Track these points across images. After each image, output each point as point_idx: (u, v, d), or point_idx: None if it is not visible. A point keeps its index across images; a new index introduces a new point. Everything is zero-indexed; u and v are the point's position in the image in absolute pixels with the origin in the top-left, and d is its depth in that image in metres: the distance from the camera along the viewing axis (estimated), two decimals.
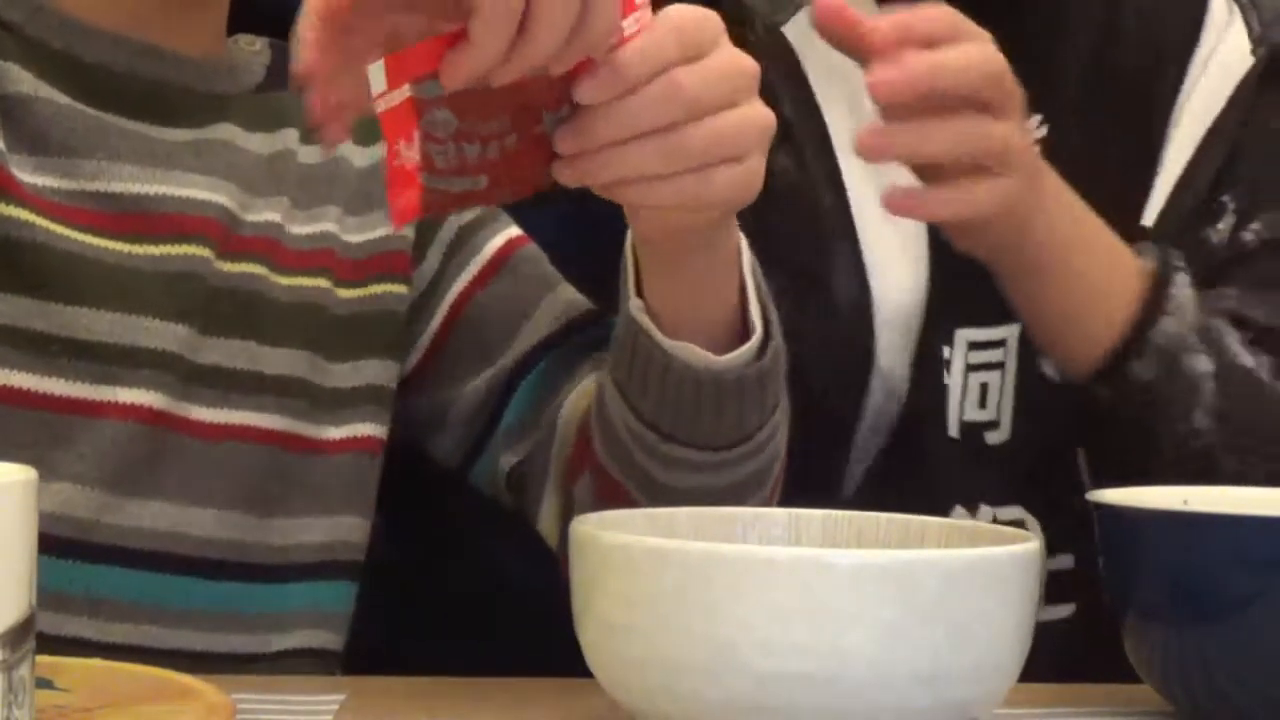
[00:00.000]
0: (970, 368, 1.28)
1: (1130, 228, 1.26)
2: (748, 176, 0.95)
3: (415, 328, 1.19)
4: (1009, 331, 1.28)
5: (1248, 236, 1.27)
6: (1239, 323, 1.24)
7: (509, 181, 0.96)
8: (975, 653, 0.82)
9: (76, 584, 1.06)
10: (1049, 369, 1.26)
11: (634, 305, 1.03)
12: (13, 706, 0.68)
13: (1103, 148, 1.27)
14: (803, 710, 0.80)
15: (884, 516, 0.96)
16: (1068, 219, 1.18)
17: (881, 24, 1.06)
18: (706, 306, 1.03)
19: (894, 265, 1.28)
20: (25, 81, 1.08)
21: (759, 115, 0.95)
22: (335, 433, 1.14)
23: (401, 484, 1.23)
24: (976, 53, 1.08)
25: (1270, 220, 1.28)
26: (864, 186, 1.27)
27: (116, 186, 1.09)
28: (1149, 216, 1.28)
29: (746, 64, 0.96)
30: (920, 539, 0.93)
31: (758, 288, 1.04)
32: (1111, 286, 1.20)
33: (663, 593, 0.82)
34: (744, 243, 1.04)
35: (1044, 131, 1.27)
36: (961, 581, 0.82)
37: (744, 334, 1.04)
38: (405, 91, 0.90)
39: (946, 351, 1.28)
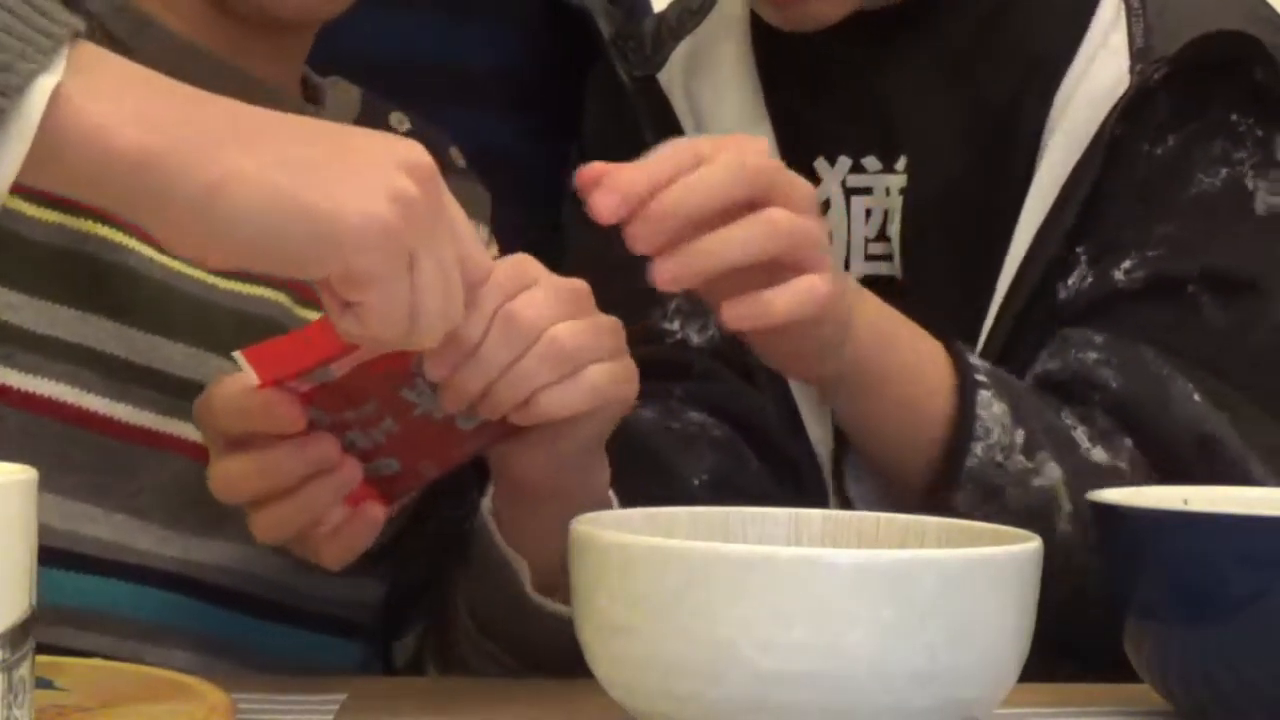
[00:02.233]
0: None
1: (984, 289, 1.21)
2: (626, 373, 0.99)
3: None
4: None
5: (1118, 276, 1.20)
6: (1091, 388, 1.17)
7: (421, 458, 0.99)
8: (975, 653, 0.82)
9: (123, 606, 1.06)
10: (859, 500, 1.20)
11: (484, 504, 1.06)
12: (13, 706, 0.68)
13: (961, 196, 1.22)
14: (803, 710, 0.80)
15: (884, 516, 0.95)
16: (885, 317, 1.12)
17: (622, 182, 0.97)
18: (538, 552, 1.04)
19: None
20: None
21: (599, 320, 0.97)
22: None
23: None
24: (724, 164, 0.98)
25: (1145, 259, 1.20)
26: None
27: None
28: (1007, 271, 1.21)
29: (576, 284, 0.98)
30: (920, 539, 0.93)
31: None
32: (928, 404, 1.13)
33: (663, 593, 0.82)
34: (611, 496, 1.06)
35: (903, 181, 1.24)
36: (961, 581, 0.82)
37: None
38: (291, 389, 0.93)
39: None
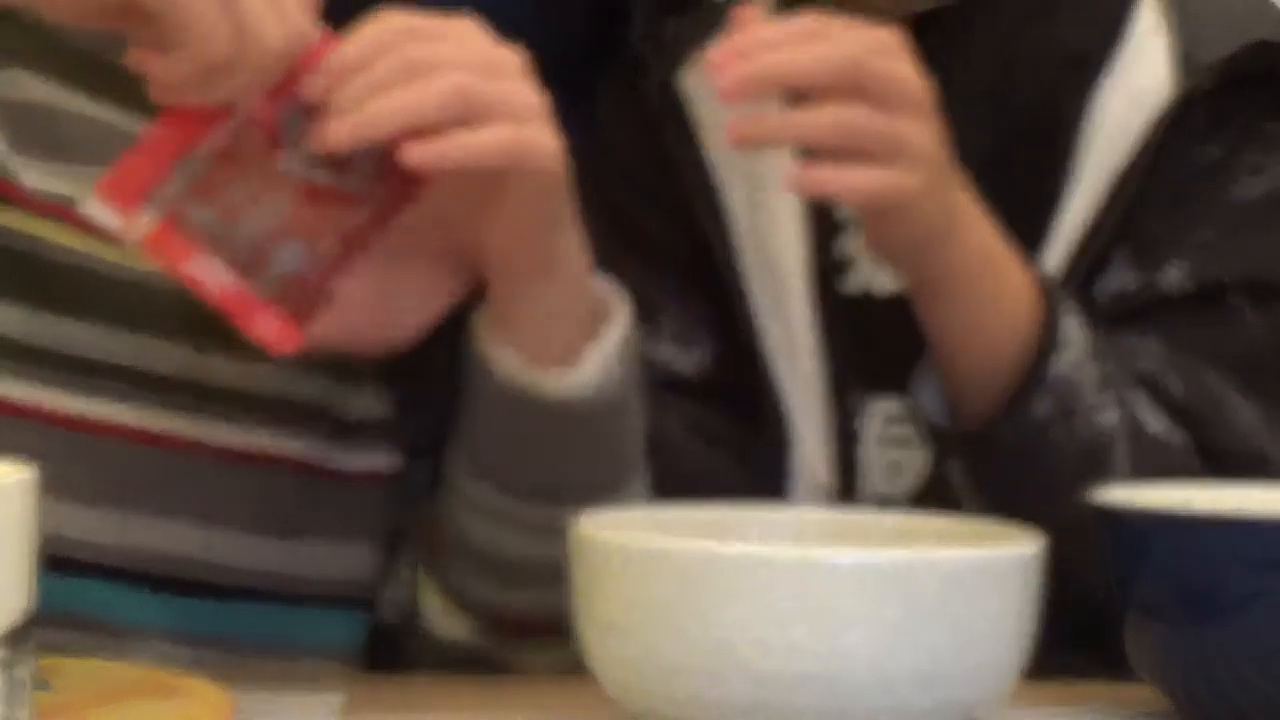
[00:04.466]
0: (884, 442, 1.24)
1: None
2: (552, 139, 0.93)
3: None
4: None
5: (1164, 283, 1.21)
6: (1154, 389, 1.18)
7: (323, 237, 0.93)
8: (976, 653, 0.82)
9: (75, 601, 1.05)
10: (933, 410, 1.18)
11: (473, 321, 1.02)
12: (13, 706, 0.68)
13: (997, 198, 1.19)
14: (802, 711, 0.80)
15: (884, 516, 0.95)
16: (982, 237, 1.14)
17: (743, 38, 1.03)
18: (531, 345, 1.00)
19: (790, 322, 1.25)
20: (37, 85, 1.05)
21: (526, 86, 0.92)
22: (353, 462, 1.12)
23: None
24: (846, 45, 1.04)
25: (1190, 266, 1.21)
26: (754, 254, 1.25)
27: None
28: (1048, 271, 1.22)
29: (508, 55, 0.93)
30: (921, 539, 0.93)
31: (624, 358, 1.02)
32: (1017, 316, 1.15)
33: (662, 593, 0.82)
34: (624, 318, 1.02)
35: None
36: (962, 582, 0.82)
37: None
38: (149, 214, 0.88)
39: (858, 424, 1.24)
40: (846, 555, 0.81)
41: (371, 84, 0.89)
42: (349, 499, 1.12)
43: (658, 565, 0.82)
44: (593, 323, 1.01)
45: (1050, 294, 1.15)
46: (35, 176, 1.05)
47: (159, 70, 0.86)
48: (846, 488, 1.23)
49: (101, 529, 1.05)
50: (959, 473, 1.17)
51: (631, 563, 0.83)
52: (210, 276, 0.90)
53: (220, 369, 1.08)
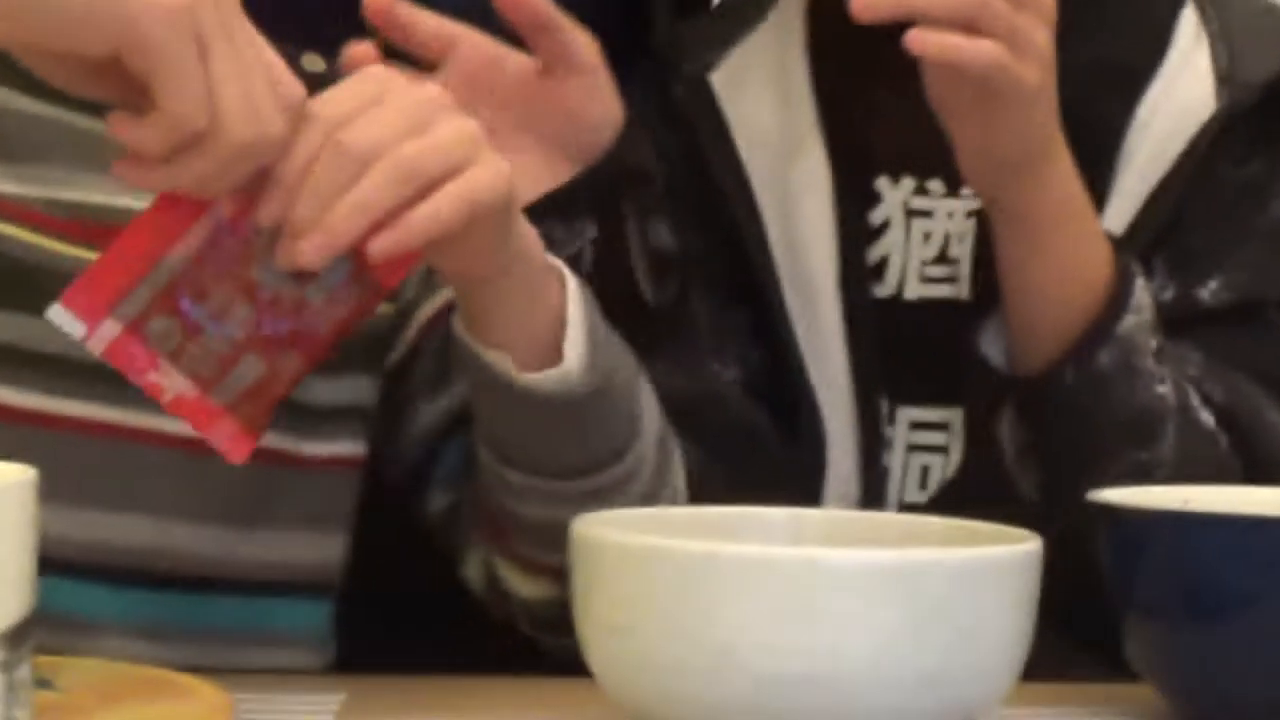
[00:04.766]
0: (912, 449, 1.25)
1: None
2: (498, 173, 0.94)
3: (391, 349, 1.18)
4: (953, 415, 1.24)
5: (1204, 295, 1.23)
6: (1198, 391, 1.20)
7: (285, 349, 0.94)
8: (976, 653, 0.82)
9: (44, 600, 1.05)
10: (996, 354, 1.20)
11: (455, 322, 1.03)
12: (13, 706, 0.68)
13: None
14: (803, 711, 0.80)
15: (884, 516, 0.96)
16: (1070, 178, 1.16)
17: None
18: (521, 338, 1.02)
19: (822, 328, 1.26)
20: None
21: (456, 126, 0.94)
22: (317, 449, 1.13)
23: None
24: None
25: (1230, 280, 1.23)
26: (785, 257, 1.25)
27: (87, 196, 1.07)
28: None
29: (429, 93, 0.94)
30: (920, 539, 0.93)
31: (588, 329, 1.02)
32: (1092, 268, 1.17)
33: (662, 593, 0.82)
34: (575, 290, 1.03)
35: (970, 205, 1.24)
36: (963, 581, 0.82)
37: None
38: (112, 326, 0.89)
39: (887, 431, 1.25)
40: (846, 555, 0.81)
41: (320, 195, 0.90)
42: (313, 486, 1.12)
43: (658, 565, 0.82)
44: (559, 296, 1.02)
45: (1122, 254, 1.17)
46: None
47: (133, 136, 0.87)
48: (874, 494, 1.24)
49: (59, 524, 1.05)
50: (1010, 425, 1.18)
51: (631, 563, 0.83)
52: (170, 385, 0.91)
53: None
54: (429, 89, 0.95)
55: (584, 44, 1.15)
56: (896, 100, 1.24)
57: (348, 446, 1.14)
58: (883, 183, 1.26)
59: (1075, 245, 1.16)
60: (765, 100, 1.29)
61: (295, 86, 0.89)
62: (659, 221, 1.24)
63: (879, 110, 1.27)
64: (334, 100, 0.92)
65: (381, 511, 1.21)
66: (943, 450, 1.24)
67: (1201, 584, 0.92)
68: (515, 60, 1.15)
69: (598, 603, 0.85)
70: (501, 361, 1.01)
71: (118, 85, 0.86)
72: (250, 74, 0.85)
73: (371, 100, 0.92)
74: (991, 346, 1.19)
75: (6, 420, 1.04)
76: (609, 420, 1.05)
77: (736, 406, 1.24)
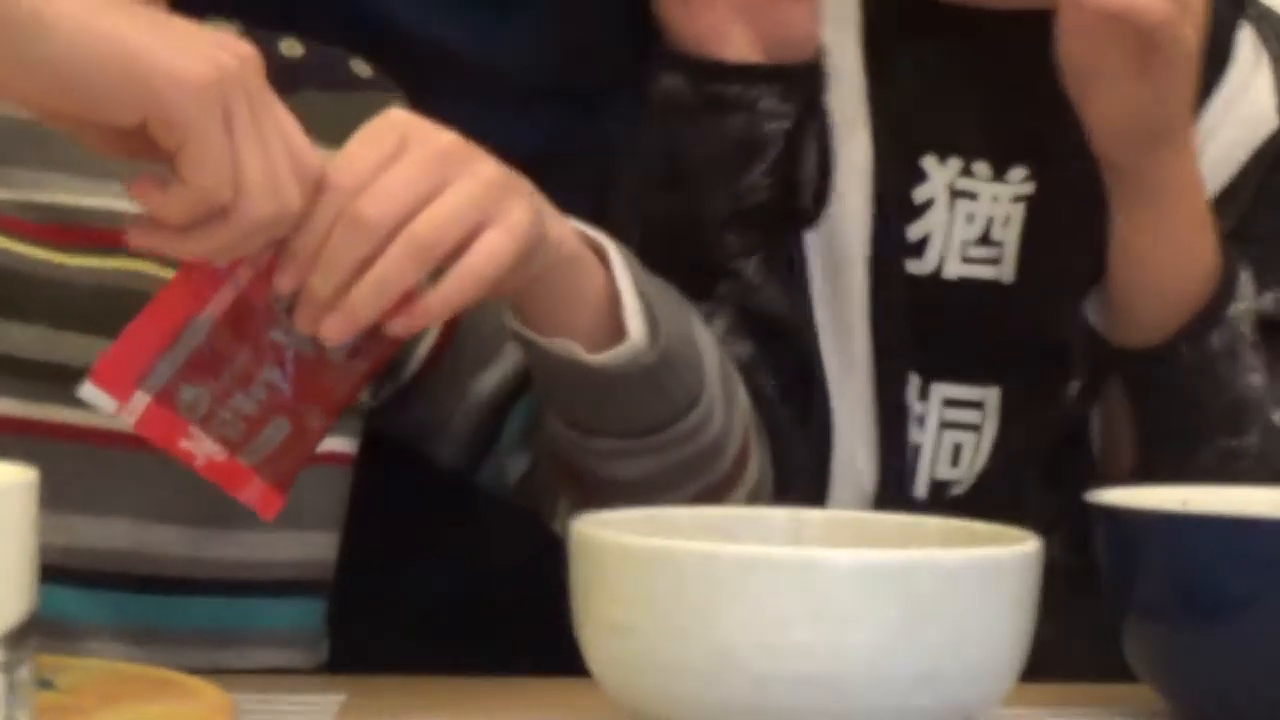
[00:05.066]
0: (945, 425, 1.26)
1: None
2: (513, 228, 0.94)
3: (413, 338, 1.18)
4: (988, 393, 1.25)
5: (1265, 306, 1.24)
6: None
7: (309, 406, 0.96)
8: (975, 652, 0.82)
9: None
10: (1098, 321, 1.22)
11: (508, 318, 1.04)
12: (14, 707, 0.68)
13: (1090, 206, 1.22)
14: (802, 711, 0.80)
15: (884, 516, 0.96)
16: (1194, 163, 1.18)
17: None
18: (578, 322, 1.02)
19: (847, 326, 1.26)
20: None
21: (471, 184, 0.94)
22: None
23: (398, 482, 1.22)
24: None
25: None
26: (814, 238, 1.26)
27: (57, 198, 1.06)
28: None
29: (444, 145, 0.94)
30: (920, 539, 0.93)
31: (644, 298, 1.04)
32: (1206, 247, 1.19)
33: (662, 593, 0.82)
34: (618, 259, 1.03)
35: (1030, 189, 1.25)
36: (961, 581, 0.82)
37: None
38: (142, 397, 0.91)
39: (919, 407, 1.25)
40: (846, 555, 0.81)
41: (336, 269, 0.91)
42: (299, 483, 1.12)
43: (658, 565, 0.82)
44: (603, 269, 1.03)
45: (1227, 246, 1.20)
46: None
47: (156, 205, 0.88)
48: (895, 470, 1.24)
49: (43, 531, 1.05)
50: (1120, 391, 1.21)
51: (631, 563, 0.83)
52: (200, 451, 0.93)
53: None
54: (446, 137, 0.95)
55: None
56: (950, 84, 1.25)
57: (336, 443, 1.14)
58: (929, 161, 1.26)
59: (1193, 221, 1.19)
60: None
61: (313, 157, 0.90)
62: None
63: (931, 88, 1.27)
64: (351, 162, 0.92)
65: (377, 509, 1.21)
66: (975, 429, 1.25)
67: (1200, 584, 0.92)
68: None
69: (598, 603, 0.85)
70: (567, 348, 1.02)
71: (145, 148, 0.88)
72: (272, 147, 0.87)
73: (390, 157, 0.93)
74: (1095, 319, 1.21)
75: None
76: (680, 371, 1.06)
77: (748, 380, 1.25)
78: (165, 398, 0.92)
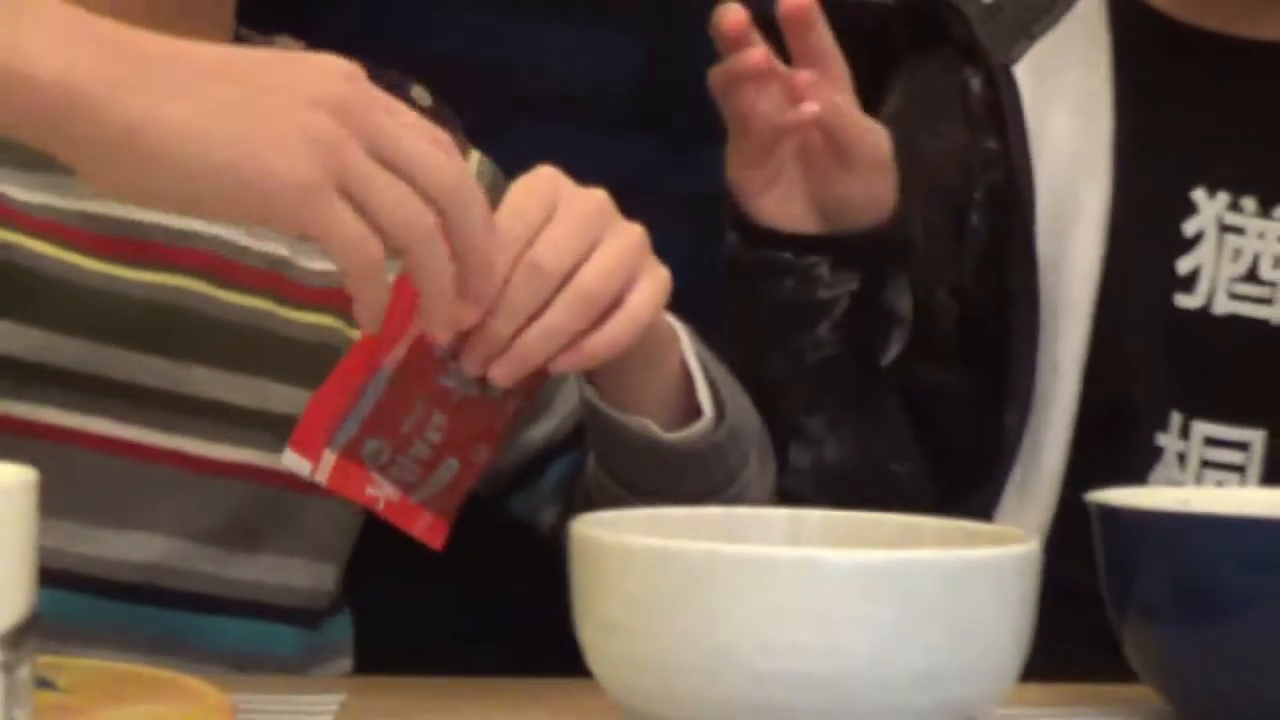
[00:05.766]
0: (1206, 464, 1.25)
1: None
2: (662, 281, 1.00)
3: None
4: (1254, 435, 1.24)
5: None
6: None
7: (475, 444, 1.00)
8: (975, 653, 0.82)
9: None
10: None
11: (587, 391, 1.08)
12: (14, 707, 0.68)
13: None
14: (802, 711, 0.80)
15: (884, 516, 0.95)
16: None
17: None
18: (653, 396, 1.07)
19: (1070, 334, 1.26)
20: None
21: (623, 240, 0.98)
22: None
23: None
24: None
25: None
26: (1046, 263, 1.25)
27: (114, 210, 1.06)
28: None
29: (596, 199, 0.99)
30: (920, 539, 0.93)
31: (707, 373, 1.08)
32: None
33: (663, 593, 0.82)
34: (686, 337, 1.08)
35: None
36: (961, 582, 0.82)
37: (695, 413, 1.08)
38: (330, 456, 0.95)
39: (1179, 444, 1.25)
40: (846, 555, 0.81)
41: (515, 315, 0.95)
42: (318, 511, 1.12)
43: (658, 565, 0.82)
44: (677, 347, 1.08)
45: None
46: (14, 189, 1.04)
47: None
48: None
49: (68, 538, 1.05)
50: None
51: (631, 563, 0.83)
52: (381, 495, 0.98)
53: (199, 381, 1.08)
54: (596, 195, 0.99)
55: (881, 141, 1.19)
56: (1219, 117, 1.25)
57: None
58: (1199, 194, 1.25)
59: None
60: (1055, 102, 1.29)
61: (454, 164, 0.90)
62: (902, 284, 1.26)
63: (1197, 120, 1.26)
64: (518, 214, 0.96)
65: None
66: (1239, 469, 1.24)
67: (1200, 584, 0.92)
68: (844, 123, 1.18)
69: (598, 603, 0.85)
70: (644, 426, 1.06)
71: None
72: (397, 188, 0.86)
73: (548, 211, 0.97)
74: None
75: (21, 434, 1.04)
76: (741, 442, 1.10)
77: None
78: (351, 452, 0.96)
